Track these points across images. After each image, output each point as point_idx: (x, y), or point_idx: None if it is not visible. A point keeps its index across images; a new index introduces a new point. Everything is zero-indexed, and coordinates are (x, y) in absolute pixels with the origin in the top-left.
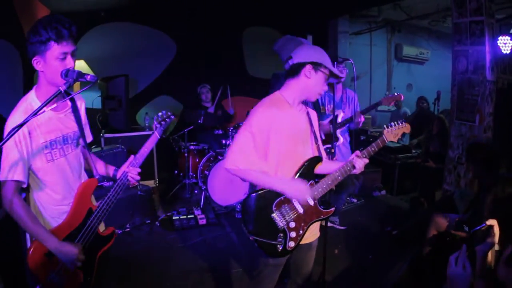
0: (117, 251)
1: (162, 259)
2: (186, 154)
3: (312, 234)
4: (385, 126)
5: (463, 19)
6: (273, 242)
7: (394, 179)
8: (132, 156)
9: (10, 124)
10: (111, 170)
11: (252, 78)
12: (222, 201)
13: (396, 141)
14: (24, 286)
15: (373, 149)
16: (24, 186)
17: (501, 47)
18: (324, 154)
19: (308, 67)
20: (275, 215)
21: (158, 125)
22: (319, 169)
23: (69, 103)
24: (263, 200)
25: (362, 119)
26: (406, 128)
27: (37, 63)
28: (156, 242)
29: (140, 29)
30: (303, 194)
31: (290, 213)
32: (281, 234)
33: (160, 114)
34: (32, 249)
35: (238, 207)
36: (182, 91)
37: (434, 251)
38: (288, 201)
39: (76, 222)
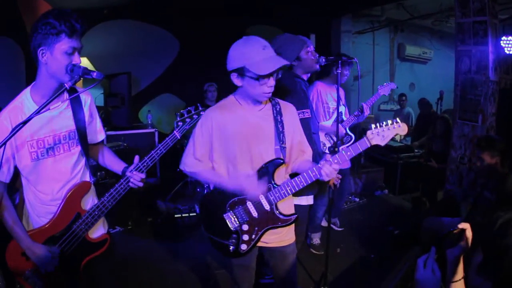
0: (119, 248)
1: (163, 257)
2: None
3: (282, 239)
4: (371, 125)
5: (467, 19)
6: (225, 242)
7: (396, 179)
8: (136, 157)
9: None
10: (120, 167)
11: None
12: None
13: (383, 145)
14: None
15: (349, 153)
16: (7, 182)
17: (504, 47)
18: (301, 154)
19: (234, 75)
20: (228, 215)
21: (180, 123)
22: (297, 167)
23: (66, 100)
24: (218, 199)
25: (368, 110)
26: (400, 129)
27: (43, 54)
28: (157, 240)
29: (143, 27)
30: (253, 191)
31: (243, 215)
32: (234, 235)
33: (183, 111)
34: (11, 246)
35: None
36: (184, 89)
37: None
38: (242, 202)
39: (61, 225)
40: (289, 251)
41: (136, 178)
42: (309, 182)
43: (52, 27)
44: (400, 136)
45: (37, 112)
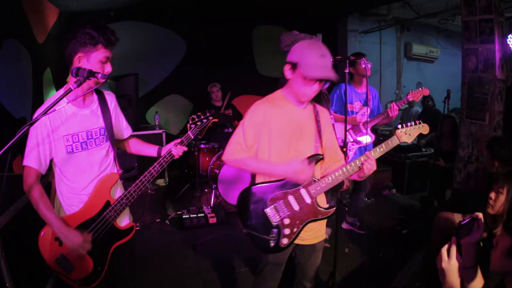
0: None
1: (172, 258)
2: (196, 153)
3: (316, 235)
4: (399, 125)
5: (473, 17)
6: (265, 237)
7: (404, 178)
8: (175, 141)
9: (35, 115)
10: (154, 149)
11: (262, 77)
12: (233, 200)
13: (410, 142)
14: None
15: (381, 149)
16: (42, 173)
17: (510, 46)
18: (335, 156)
19: (286, 67)
20: (269, 210)
21: (193, 126)
22: (332, 172)
23: (95, 100)
24: (259, 194)
25: (397, 112)
26: (423, 128)
27: (80, 60)
28: (166, 241)
29: (150, 28)
30: (305, 174)
31: (285, 209)
32: (275, 230)
33: (198, 114)
34: (43, 232)
35: None
36: (192, 90)
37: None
38: (284, 196)
39: (92, 212)
40: (319, 247)
41: (179, 150)
42: (347, 175)
43: (91, 37)
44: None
45: (45, 113)
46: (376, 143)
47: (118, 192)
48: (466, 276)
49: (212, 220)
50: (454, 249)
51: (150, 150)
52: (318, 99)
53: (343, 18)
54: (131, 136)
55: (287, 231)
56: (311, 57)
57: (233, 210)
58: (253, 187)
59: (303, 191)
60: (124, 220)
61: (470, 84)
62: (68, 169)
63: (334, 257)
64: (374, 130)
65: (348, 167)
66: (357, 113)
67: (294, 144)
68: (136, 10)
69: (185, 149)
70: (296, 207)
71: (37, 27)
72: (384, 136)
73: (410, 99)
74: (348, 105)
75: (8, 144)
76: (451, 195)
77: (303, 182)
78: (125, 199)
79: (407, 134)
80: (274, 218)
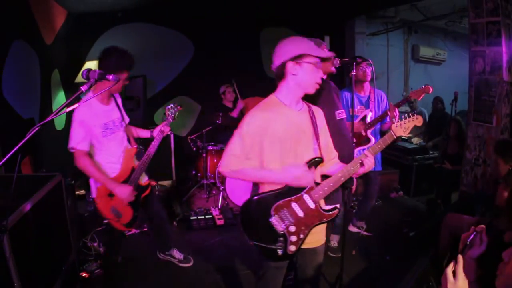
0: (134, 251)
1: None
2: (204, 154)
3: (317, 239)
4: (393, 120)
5: (480, 19)
6: (273, 247)
7: (411, 181)
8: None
9: (75, 114)
10: (147, 133)
11: (270, 79)
12: (240, 202)
13: (406, 136)
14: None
15: (379, 146)
16: (87, 150)
17: None
18: (330, 155)
19: (290, 64)
20: (273, 219)
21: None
22: (327, 170)
23: (113, 99)
24: (262, 205)
25: (397, 112)
26: (417, 120)
27: (109, 77)
28: (173, 242)
29: (157, 30)
30: (308, 178)
31: (289, 217)
32: (281, 238)
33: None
34: (97, 195)
35: None
36: (200, 91)
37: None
38: (287, 204)
39: (125, 175)
40: (320, 251)
41: (166, 129)
42: (348, 176)
43: (123, 63)
44: (419, 130)
45: (56, 114)
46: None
47: (136, 161)
48: None
49: (220, 222)
50: (460, 270)
51: (144, 133)
52: (318, 97)
53: (351, 20)
54: (127, 125)
55: (293, 238)
56: (312, 45)
57: None
58: (255, 198)
59: (306, 197)
60: (144, 179)
61: (477, 87)
62: (104, 148)
63: (341, 259)
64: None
65: (350, 167)
66: (358, 116)
67: (294, 149)
68: (143, 11)
69: (169, 128)
70: (300, 213)
71: (45, 28)
72: None
73: (412, 98)
74: (350, 110)
75: (18, 145)
76: (458, 197)
77: (306, 186)
78: (142, 165)
79: (402, 127)
80: (280, 227)
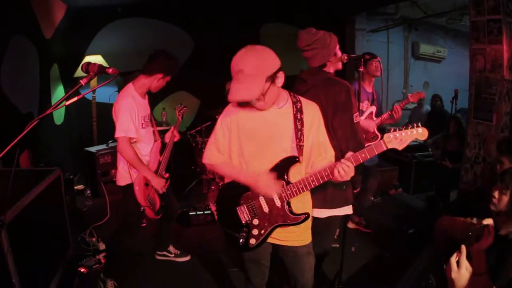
0: (133, 245)
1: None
2: (203, 150)
3: (296, 239)
4: (391, 128)
5: (481, 17)
6: (236, 235)
7: (411, 178)
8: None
9: (124, 103)
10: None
11: None
12: None
13: (400, 149)
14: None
15: (363, 155)
16: (133, 141)
17: None
18: (323, 151)
19: (280, 75)
20: (240, 208)
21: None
22: (316, 169)
23: (147, 95)
24: (233, 191)
25: (400, 113)
26: (420, 134)
27: (158, 79)
28: (172, 237)
29: (157, 25)
30: (268, 188)
31: (255, 209)
32: (245, 229)
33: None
34: (136, 185)
35: None
36: (199, 86)
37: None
38: (255, 197)
39: (154, 168)
40: (302, 253)
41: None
42: (321, 181)
43: (174, 70)
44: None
45: (55, 107)
46: None
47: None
48: (477, 283)
49: None
50: (463, 259)
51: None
52: (338, 100)
53: (351, 17)
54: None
55: (255, 231)
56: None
57: None
58: (229, 183)
59: (274, 194)
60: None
61: (478, 84)
62: (143, 138)
63: (340, 256)
64: (381, 129)
65: (322, 171)
66: (364, 111)
67: (266, 145)
68: (143, 6)
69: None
70: (266, 209)
71: (45, 22)
72: None
73: (411, 100)
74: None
75: (17, 139)
76: (457, 195)
77: (264, 195)
78: (165, 158)
79: (398, 139)
80: (244, 218)
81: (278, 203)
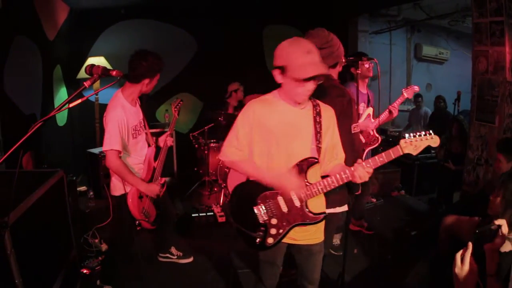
0: (136, 247)
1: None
2: (206, 151)
3: (311, 237)
4: (406, 135)
5: (483, 19)
6: (252, 234)
7: (413, 180)
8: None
9: (113, 115)
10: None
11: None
12: None
13: (415, 154)
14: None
15: (381, 159)
16: (121, 154)
17: None
18: (335, 154)
19: (276, 72)
20: (258, 208)
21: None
22: (330, 170)
23: (138, 101)
24: (250, 191)
25: (397, 110)
26: (432, 140)
27: (146, 84)
28: (175, 239)
29: (160, 26)
30: (296, 187)
31: (273, 209)
32: (262, 228)
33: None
34: (130, 199)
35: None
36: (202, 88)
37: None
38: (273, 196)
39: (148, 175)
40: (316, 250)
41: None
42: (341, 183)
43: (158, 69)
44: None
45: (58, 110)
46: (384, 144)
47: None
48: (489, 284)
49: (221, 219)
50: (468, 255)
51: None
52: (339, 107)
53: (354, 18)
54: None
55: (273, 231)
56: (297, 57)
57: None
58: (246, 182)
59: (292, 194)
60: (161, 178)
61: (480, 86)
62: (134, 149)
63: (343, 258)
64: (383, 131)
65: (342, 174)
66: (361, 114)
67: (285, 145)
68: (146, 8)
69: (172, 139)
70: (284, 208)
71: (48, 24)
72: (393, 138)
73: (406, 97)
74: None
75: (20, 141)
76: (459, 197)
77: (285, 194)
78: (160, 164)
79: (413, 145)
80: (262, 217)
81: (297, 203)
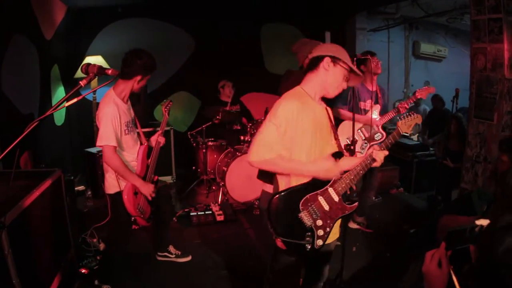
0: (134, 246)
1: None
2: (204, 150)
3: (333, 233)
4: (398, 118)
5: (481, 16)
6: (301, 242)
7: (412, 177)
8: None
9: (106, 110)
10: (143, 141)
11: (270, 74)
12: (240, 198)
13: (409, 132)
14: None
15: (390, 141)
16: (116, 149)
17: None
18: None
19: (327, 59)
20: (302, 214)
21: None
22: None
23: (129, 100)
24: (290, 200)
25: (405, 111)
26: (418, 118)
27: (138, 81)
28: (173, 238)
29: (158, 25)
30: (334, 171)
31: (316, 210)
32: (309, 233)
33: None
34: (125, 195)
35: (257, 203)
36: (200, 87)
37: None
38: (314, 198)
39: (143, 172)
40: (333, 246)
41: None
42: (366, 169)
43: (152, 68)
44: (419, 126)
45: (55, 108)
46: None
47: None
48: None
49: (220, 218)
50: (438, 255)
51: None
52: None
53: (352, 16)
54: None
55: (320, 232)
56: (346, 56)
57: (240, 207)
58: (281, 194)
59: (331, 190)
60: (154, 176)
61: (479, 84)
62: (127, 145)
63: (342, 255)
64: (382, 128)
65: (366, 160)
66: (368, 111)
67: (318, 141)
68: (143, 6)
69: (164, 139)
70: (326, 207)
71: (45, 23)
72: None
73: (418, 97)
74: (361, 103)
75: (17, 140)
76: (458, 195)
77: (335, 178)
78: (153, 162)
79: (406, 125)
80: (308, 222)
81: (336, 198)
